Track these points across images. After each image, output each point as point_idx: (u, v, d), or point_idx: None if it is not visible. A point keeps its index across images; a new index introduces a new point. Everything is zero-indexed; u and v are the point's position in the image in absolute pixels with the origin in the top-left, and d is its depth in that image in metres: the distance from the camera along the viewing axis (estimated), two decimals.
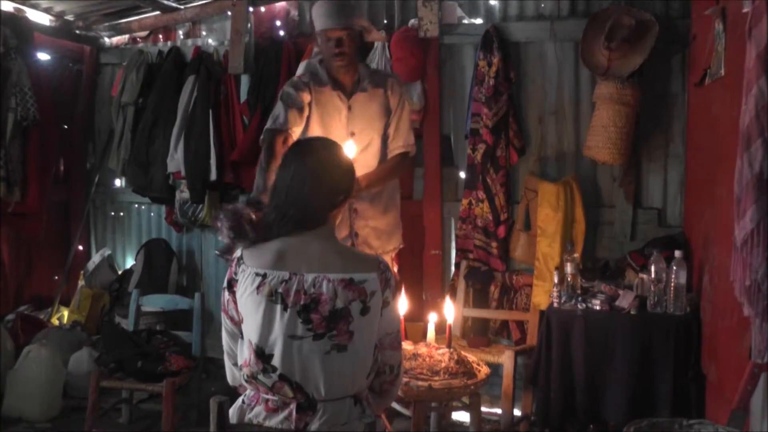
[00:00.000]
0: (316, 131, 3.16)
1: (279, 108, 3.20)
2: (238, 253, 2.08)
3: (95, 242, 5.58)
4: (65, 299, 5.18)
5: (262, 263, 2.01)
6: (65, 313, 5.08)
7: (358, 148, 3.12)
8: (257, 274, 1.99)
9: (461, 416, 3.95)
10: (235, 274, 2.05)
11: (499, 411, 3.77)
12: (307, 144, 2.24)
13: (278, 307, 1.96)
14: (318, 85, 3.22)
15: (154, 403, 4.10)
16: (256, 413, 2.06)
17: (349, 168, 2.19)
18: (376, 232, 3.30)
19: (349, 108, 3.22)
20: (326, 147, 2.20)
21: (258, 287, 1.98)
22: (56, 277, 5.30)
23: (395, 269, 3.61)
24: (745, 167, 1.92)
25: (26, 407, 3.89)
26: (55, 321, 4.98)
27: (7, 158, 4.53)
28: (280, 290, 1.97)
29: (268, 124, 3.20)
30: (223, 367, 2.23)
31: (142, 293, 4.02)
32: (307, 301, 1.96)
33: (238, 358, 2.12)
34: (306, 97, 3.19)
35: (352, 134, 3.19)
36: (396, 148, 3.28)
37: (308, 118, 3.21)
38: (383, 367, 2.15)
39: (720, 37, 2.71)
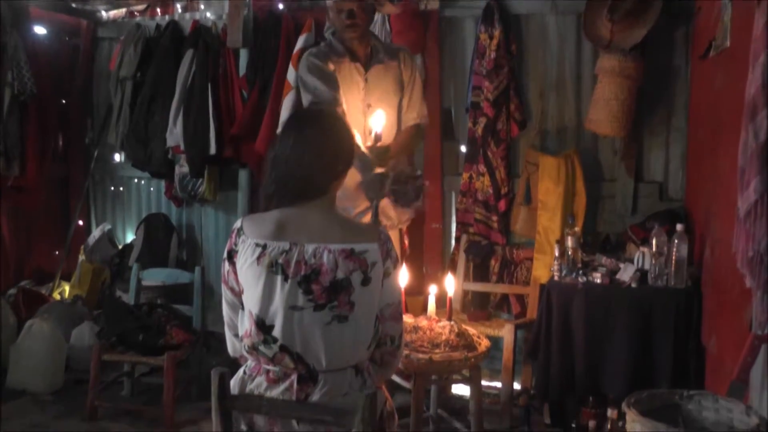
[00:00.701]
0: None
1: (313, 81, 3.15)
2: (238, 223, 2.07)
3: (95, 217, 5.58)
4: (66, 274, 5.19)
5: (262, 234, 2.00)
6: (66, 287, 5.09)
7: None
8: (257, 245, 1.98)
9: (461, 390, 3.97)
10: (235, 244, 2.04)
11: (498, 384, 3.78)
12: (307, 114, 2.23)
13: (279, 278, 1.96)
14: (336, 56, 3.20)
15: (155, 376, 4.12)
16: (257, 384, 2.07)
17: (349, 139, 2.17)
18: (393, 203, 3.31)
19: (366, 80, 3.22)
20: (326, 117, 2.18)
21: (258, 258, 1.97)
22: (57, 252, 5.30)
23: (406, 242, 3.64)
24: (750, 138, 1.90)
25: (29, 380, 3.92)
26: (56, 295, 4.99)
27: (5, 133, 4.52)
28: (280, 261, 1.96)
29: (307, 101, 3.17)
30: (223, 341, 2.24)
31: (142, 267, 4.03)
32: (307, 272, 1.96)
33: (238, 329, 2.12)
34: (331, 67, 3.18)
35: (369, 106, 3.19)
36: (410, 119, 3.31)
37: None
38: (384, 338, 2.15)
39: (726, 7, 2.68)
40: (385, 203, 3.31)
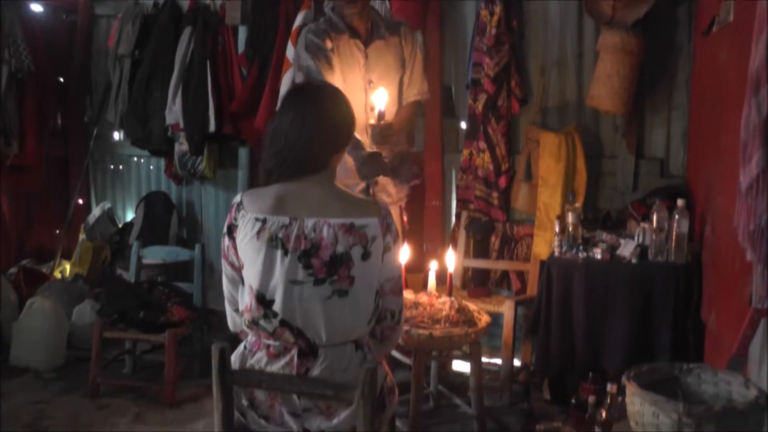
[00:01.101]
0: (335, 80, 3.12)
1: (306, 60, 3.15)
2: (237, 198, 2.06)
3: (95, 196, 5.58)
4: (66, 252, 5.21)
5: (261, 208, 1.99)
6: (67, 266, 5.10)
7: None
8: (257, 220, 1.98)
9: (461, 366, 3.98)
10: (235, 219, 2.04)
11: (499, 361, 3.80)
12: (306, 89, 2.21)
13: (278, 253, 1.96)
14: (336, 32, 3.17)
15: (156, 353, 4.14)
16: (258, 359, 2.07)
17: (349, 113, 2.16)
18: (393, 180, 3.32)
19: (367, 56, 3.20)
20: (326, 92, 2.17)
21: (258, 232, 1.97)
22: (57, 231, 5.31)
23: (404, 218, 3.64)
24: (752, 112, 1.88)
25: (32, 357, 3.94)
26: (57, 274, 5.01)
27: (3, 111, 4.51)
28: (280, 235, 1.96)
29: (299, 78, 3.17)
30: (224, 318, 2.24)
31: (142, 245, 4.03)
32: (307, 246, 1.95)
33: (239, 304, 2.13)
34: (329, 44, 3.16)
35: (370, 82, 3.17)
36: (411, 95, 3.31)
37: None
38: (384, 313, 2.15)
39: None
40: (384, 180, 3.30)
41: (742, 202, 1.92)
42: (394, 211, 3.42)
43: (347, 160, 3.21)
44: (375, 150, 3.05)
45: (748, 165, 1.89)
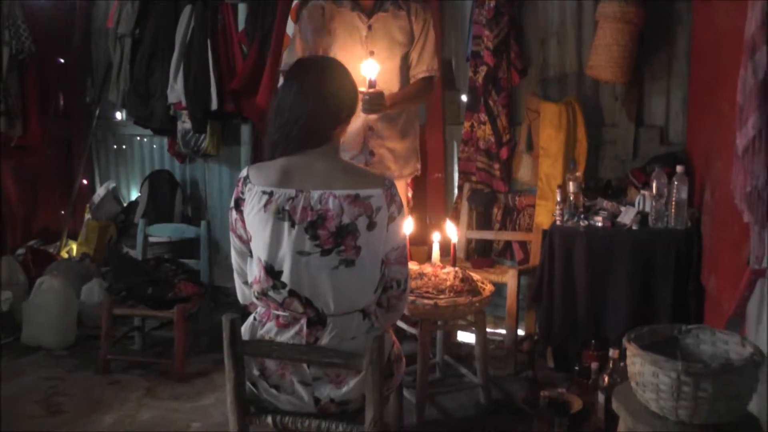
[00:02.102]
0: (336, 52, 3.15)
1: (295, 36, 3.27)
2: (244, 172, 2.10)
3: (99, 175, 5.63)
4: (72, 233, 5.26)
5: (268, 181, 2.03)
6: (73, 246, 5.16)
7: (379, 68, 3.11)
8: (264, 193, 2.02)
9: (467, 337, 4.04)
10: (242, 193, 2.08)
11: (503, 331, 3.85)
12: (308, 62, 2.24)
13: (286, 224, 2.00)
14: (336, 4, 3.21)
15: (165, 330, 4.20)
16: (268, 329, 2.12)
17: (351, 86, 2.19)
18: (393, 154, 3.35)
19: (370, 27, 3.22)
20: (328, 65, 2.20)
21: (265, 205, 2.01)
22: (62, 212, 5.35)
23: (409, 194, 3.70)
24: (749, 75, 1.91)
25: (43, 336, 4.00)
26: (64, 254, 5.06)
27: (5, 92, 4.53)
28: (286, 207, 2.00)
29: (286, 57, 3.24)
30: (231, 295, 2.30)
31: (148, 223, 4.06)
32: (314, 218, 1.99)
33: (248, 276, 2.17)
34: (328, 17, 3.22)
35: (372, 53, 3.19)
36: (419, 72, 3.32)
37: (329, 39, 3.24)
38: (390, 282, 2.19)
39: None
40: (385, 154, 3.34)
41: (739, 165, 1.95)
42: (400, 186, 3.48)
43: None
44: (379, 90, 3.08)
45: (745, 127, 1.92)
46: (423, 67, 3.32)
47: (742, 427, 1.84)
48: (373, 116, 3.18)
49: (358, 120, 3.20)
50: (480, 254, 4.08)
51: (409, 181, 3.65)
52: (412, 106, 3.42)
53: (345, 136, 3.20)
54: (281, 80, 2.29)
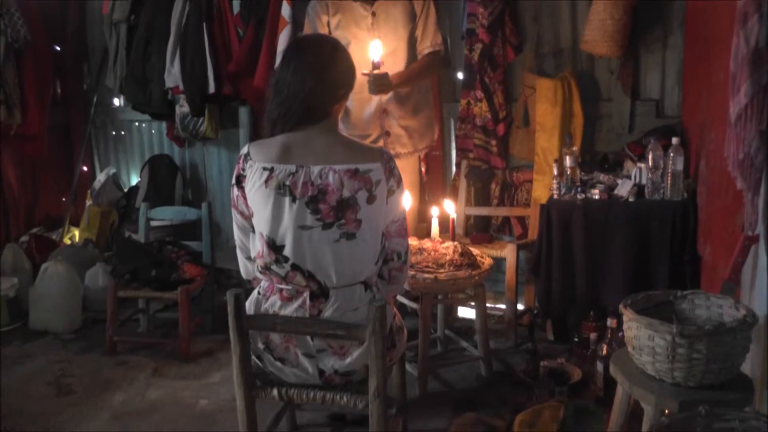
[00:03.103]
0: (346, 44, 3.22)
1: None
2: (244, 149, 2.14)
3: (99, 162, 5.65)
4: (74, 219, 5.29)
5: (268, 157, 2.07)
6: (76, 232, 5.19)
7: (384, 50, 3.22)
8: (264, 169, 2.06)
9: (467, 312, 4.09)
10: (243, 169, 2.11)
11: (502, 306, 3.90)
12: (306, 40, 2.27)
13: (287, 200, 2.04)
14: None
15: (170, 312, 4.26)
16: (272, 303, 2.17)
17: (349, 63, 2.22)
18: (407, 131, 3.52)
19: (374, 14, 3.34)
20: (325, 43, 2.23)
21: (266, 181, 2.05)
22: (64, 199, 5.38)
23: (423, 169, 3.79)
24: (741, 43, 1.93)
25: (50, 320, 4.05)
26: (67, 240, 5.10)
27: (3, 81, 4.54)
28: (287, 183, 2.04)
29: None
30: (234, 277, 2.34)
31: (149, 207, 4.09)
32: (314, 192, 2.03)
33: (251, 251, 2.22)
34: (332, 11, 3.38)
35: (379, 38, 3.28)
36: (424, 48, 3.46)
37: (335, 30, 3.37)
38: (391, 255, 2.24)
39: None
40: (400, 132, 3.47)
41: (732, 133, 1.99)
42: (413, 162, 3.57)
43: (352, 114, 3.35)
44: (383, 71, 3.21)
45: (737, 95, 1.95)
46: (427, 43, 3.45)
47: (735, 387, 1.89)
48: (386, 98, 3.36)
49: (373, 104, 3.37)
50: (479, 230, 4.12)
51: (422, 155, 3.83)
52: (420, 82, 3.54)
53: (362, 121, 3.37)
54: (278, 60, 2.33)
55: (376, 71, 3.15)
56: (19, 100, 4.68)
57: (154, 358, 3.69)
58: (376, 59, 3.14)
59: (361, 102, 3.37)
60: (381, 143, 3.43)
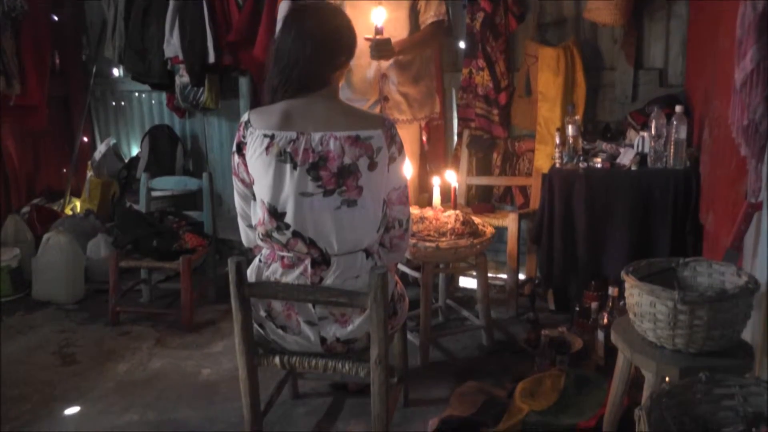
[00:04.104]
0: (348, 11, 3.20)
1: None
2: (245, 117, 2.12)
3: (99, 133, 5.63)
4: (75, 190, 5.29)
5: (269, 125, 2.06)
6: (77, 203, 5.19)
7: (387, 16, 3.21)
8: (265, 136, 2.04)
9: (468, 282, 4.10)
10: (244, 137, 2.10)
11: (504, 276, 3.90)
12: (306, 7, 2.23)
13: (288, 166, 2.03)
14: None
15: (172, 282, 4.27)
16: (273, 270, 2.17)
17: (349, 30, 2.20)
18: (406, 98, 3.51)
19: None
20: (326, 9, 2.20)
21: (267, 148, 2.04)
22: (64, 170, 5.37)
23: (424, 138, 3.81)
24: (748, 8, 1.91)
25: (53, 291, 4.06)
26: (68, 211, 5.10)
27: (0, 51, 4.50)
28: (288, 150, 2.03)
29: None
30: (235, 248, 2.34)
31: (150, 177, 4.08)
32: (315, 159, 2.02)
33: (252, 219, 2.21)
34: None
35: (380, 4, 3.26)
36: (428, 18, 3.45)
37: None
38: (392, 222, 2.23)
39: None
40: (399, 99, 3.46)
41: (737, 99, 1.97)
42: (414, 130, 3.56)
43: (352, 78, 3.33)
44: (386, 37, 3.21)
45: (743, 61, 1.93)
46: (431, 12, 3.43)
47: (736, 354, 1.90)
48: (385, 63, 3.35)
49: (372, 68, 3.35)
50: (480, 200, 4.12)
51: (423, 124, 3.82)
52: (423, 51, 3.54)
53: (360, 85, 3.35)
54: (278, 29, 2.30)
55: (378, 36, 3.14)
56: (18, 71, 4.64)
57: (156, 328, 3.71)
58: (379, 25, 3.14)
59: (361, 67, 3.35)
60: (378, 109, 3.43)
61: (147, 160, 4.93)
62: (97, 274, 4.26)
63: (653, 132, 3.14)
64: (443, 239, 3.00)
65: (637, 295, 1.92)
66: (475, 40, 4.06)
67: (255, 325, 2.26)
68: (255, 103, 4.50)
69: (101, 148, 5.28)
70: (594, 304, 3.31)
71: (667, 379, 1.88)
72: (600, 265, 3.30)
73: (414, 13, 3.46)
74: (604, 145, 3.42)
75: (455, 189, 3.20)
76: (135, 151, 5.41)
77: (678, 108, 3.07)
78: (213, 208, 3.98)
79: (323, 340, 2.20)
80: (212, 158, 5.18)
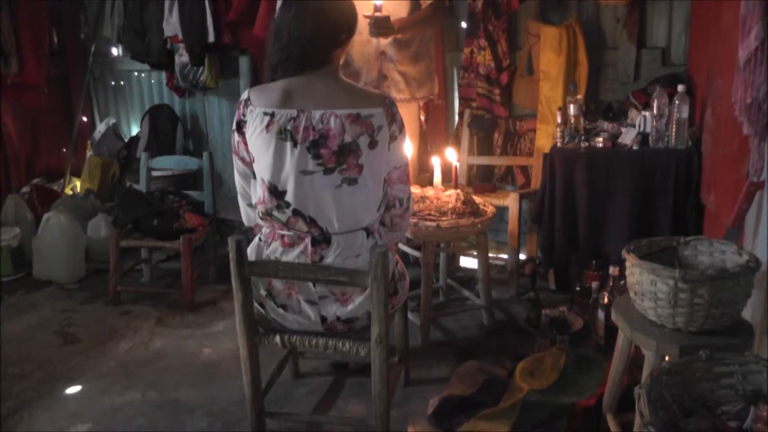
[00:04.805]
0: None
1: None
2: (244, 95, 2.11)
3: (98, 112, 5.62)
4: (75, 170, 5.28)
5: (269, 103, 2.04)
6: (77, 183, 5.19)
7: None
8: (265, 114, 2.03)
9: (469, 262, 4.10)
10: (244, 115, 2.09)
11: (504, 256, 3.90)
12: None
13: (288, 144, 2.02)
14: None
15: (172, 262, 4.27)
16: (273, 249, 2.17)
17: (350, 8, 2.18)
18: (404, 77, 3.50)
19: None
20: None
21: (267, 126, 2.03)
22: (64, 149, 5.35)
23: (422, 117, 3.78)
24: None
25: (53, 270, 4.07)
26: (68, 191, 5.09)
27: None
28: (288, 128, 2.01)
29: None
30: (236, 228, 2.33)
31: (150, 157, 4.07)
32: (315, 137, 2.01)
33: (252, 198, 2.21)
34: None
35: None
36: None
37: None
38: (393, 201, 2.23)
39: None
40: (397, 78, 3.45)
41: (740, 77, 1.95)
42: (412, 109, 3.55)
43: (351, 58, 3.31)
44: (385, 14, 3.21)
45: (747, 38, 1.91)
46: None
47: (736, 332, 1.90)
48: (384, 41, 3.34)
49: (371, 46, 3.33)
50: (481, 179, 4.11)
51: (422, 104, 3.80)
52: (423, 30, 3.52)
53: (359, 63, 3.33)
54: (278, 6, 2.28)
55: (377, 14, 3.13)
56: (15, 49, 4.62)
57: (157, 308, 3.72)
58: (378, 2, 3.13)
59: (360, 44, 3.33)
60: (373, 86, 3.40)
61: (147, 140, 4.91)
62: (97, 253, 4.25)
63: (655, 111, 3.12)
64: (444, 218, 2.99)
65: (637, 274, 1.92)
66: (476, 20, 4.02)
67: (255, 305, 2.26)
68: (255, 82, 4.48)
69: (101, 128, 5.26)
70: (595, 284, 3.31)
71: (666, 357, 1.89)
72: (601, 244, 3.30)
73: None
74: (606, 125, 3.41)
75: (456, 168, 3.19)
76: (135, 130, 5.39)
77: (680, 87, 3.05)
78: (213, 188, 3.97)
79: (324, 319, 2.20)
80: (212, 138, 5.17)
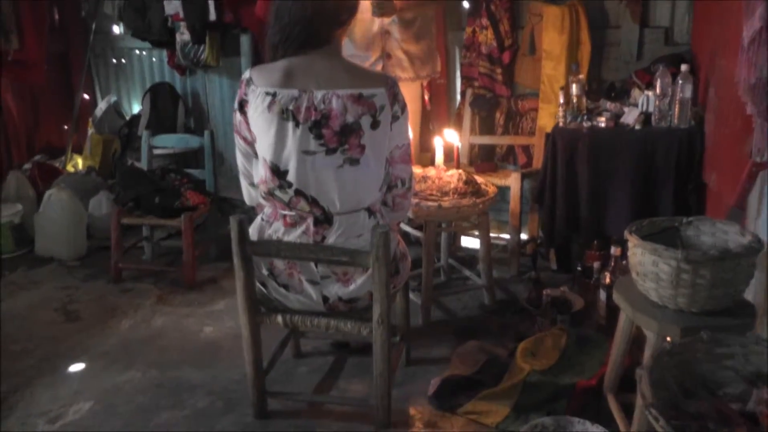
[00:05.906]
0: None
1: None
2: (246, 74, 2.10)
3: (99, 90, 5.59)
4: (77, 147, 5.26)
5: (271, 82, 2.03)
6: (79, 160, 5.17)
7: None
8: (267, 93, 2.02)
9: (470, 242, 4.10)
10: (245, 94, 2.08)
11: (506, 236, 3.90)
12: None
13: (290, 124, 2.01)
14: None
15: (174, 240, 4.26)
16: (275, 229, 2.17)
17: None
18: (408, 56, 3.51)
19: None
20: None
21: (269, 106, 2.02)
22: (65, 127, 5.34)
23: (426, 97, 3.79)
24: None
25: (55, 247, 4.07)
26: (69, 168, 5.08)
27: None
28: (290, 107, 2.01)
29: None
30: (237, 206, 2.33)
31: (152, 135, 4.06)
32: (317, 117, 2.01)
33: (254, 177, 2.20)
34: None
35: None
36: None
37: None
38: (395, 181, 2.22)
39: None
40: (400, 56, 3.46)
41: (744, 57, 1.94)
42: (415, 88, 3.54)
43: (354, 34, 3.30)
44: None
45: (752, 18, 1.90)
46: None
47: (738, 313, 1.90)
48: (387, 20, 3.35)
49: (375, 25, 3.36)
50: (483, 159, 4.10)
51: (425, 83, 3.80)
52: (425, 10, 3.51)
53: (363, 42, 3.32)
54: None
55: None
56: (16, 26, 4.58)
57: (158, 286, 3.72)
58: None
59: (363, 23, 3.32)
60: (380, 66, 3.42)
61: (148, 118, 4.90)
62: (99, 231, 4.26)
63: (658, 91, 3.10)
64: (446, 198, 2.99)
65: (639, 255, 1.92)
66: None
67: (257, 284, 2.26)
68: (256, 60, 4.46)
69: (102, 106, 5.25)
70: (596, 264, 3.31)
71: (668, 338, 1.89)
72: (603, 224, 3.30)
73: None
74: (608, 104, 3.39)
75: (458, 148, 3.18)
76: (136, 108, 5.37)
77: (684, 66, 3.03)
78: (215, 166, 3.97)
79: (325, 299, 2.21)
80: (213, 116, 5.15)
